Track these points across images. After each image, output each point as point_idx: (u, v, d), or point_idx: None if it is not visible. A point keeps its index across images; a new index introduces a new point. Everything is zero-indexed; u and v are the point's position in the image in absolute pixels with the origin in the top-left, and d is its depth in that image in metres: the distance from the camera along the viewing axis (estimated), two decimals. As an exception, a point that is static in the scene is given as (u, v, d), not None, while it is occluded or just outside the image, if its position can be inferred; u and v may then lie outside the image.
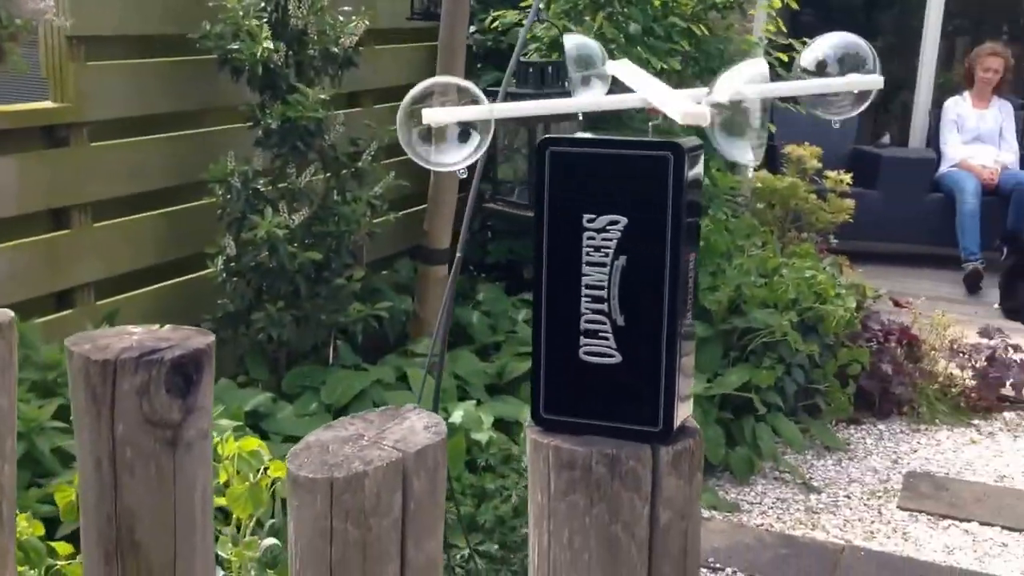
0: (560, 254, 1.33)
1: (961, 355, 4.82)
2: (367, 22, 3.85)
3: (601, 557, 1.34)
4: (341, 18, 3.83)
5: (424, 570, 1.48)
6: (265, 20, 3.61)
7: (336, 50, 3.74)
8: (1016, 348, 4.85)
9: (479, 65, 4.97)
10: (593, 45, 1.56)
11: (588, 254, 1.32)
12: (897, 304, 5.22)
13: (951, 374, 4.86)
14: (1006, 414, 4.82)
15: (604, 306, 1.32)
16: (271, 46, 3.51)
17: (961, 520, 3.92)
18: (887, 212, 6.77)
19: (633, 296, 1.31)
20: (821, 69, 1.21)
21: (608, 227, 1.30)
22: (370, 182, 3.90)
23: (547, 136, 1.33)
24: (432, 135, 1.39)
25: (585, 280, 1.32)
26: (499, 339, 4.28)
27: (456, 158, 1.39)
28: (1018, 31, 9.78)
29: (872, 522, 3.90)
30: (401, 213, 4.28)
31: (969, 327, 5.13)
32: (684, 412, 1.36)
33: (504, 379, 4.03)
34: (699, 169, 1.33)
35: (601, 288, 1.32)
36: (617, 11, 4.26)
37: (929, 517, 3.94)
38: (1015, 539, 3.80)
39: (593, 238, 1.31)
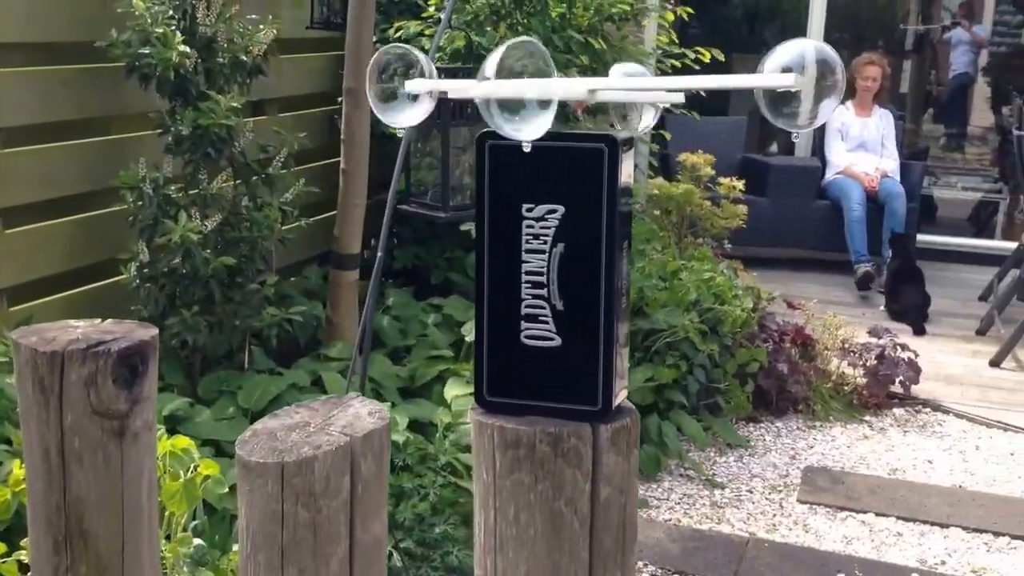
0: (501, 243, 1.40)
1: (852, 354, 5.01)
2: (276, 31, 3.88)
3: (546, 532, 1.41)
4: (249, 27, 3.85)
5: (371, 549, 1.54)
6: (174, 27, 3.62)
7: (245, 58, 3.77)
8: (904, 347, 5.05)
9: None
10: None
11: (528, 242, 1.39)
12: (791, 306, 5.40)
13: (843, 373, 5.05)
14: (896, 410, 5.02)
15: (544, 291, 1.39)
16: (185, 50, 3.53)
17: (858, 511, 4.08)
18: (776, 218, 6.98)
19: (571, 281, 1.39)
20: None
21: (546, 216, 1.38)
22: (280, 189, 3.93)
23: (485, 130, 1.40)
24: (388, 96, 1.45)
25: (525, 267, 1.39)
26: (410, 343, 4.34)
27: (407, 119, 1.45)
28: (894, 45, 10.17)
29: (774, 515, 4.04)
30: (311, 220, 4.30)
31: (858, 328, 5.33)
32: (621, 392, 1.44)
33: (416, 382, 4.09)
34: (631, 161, 1.41)
35: (541, 274, 1.39)
36: (518, 22, 4.35)
37: (827, 509, 4.10)
38: (909, 528, 3.98)
39: (532, 227, 1.38)
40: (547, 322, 1.40)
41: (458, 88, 1.45)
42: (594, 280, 1.38)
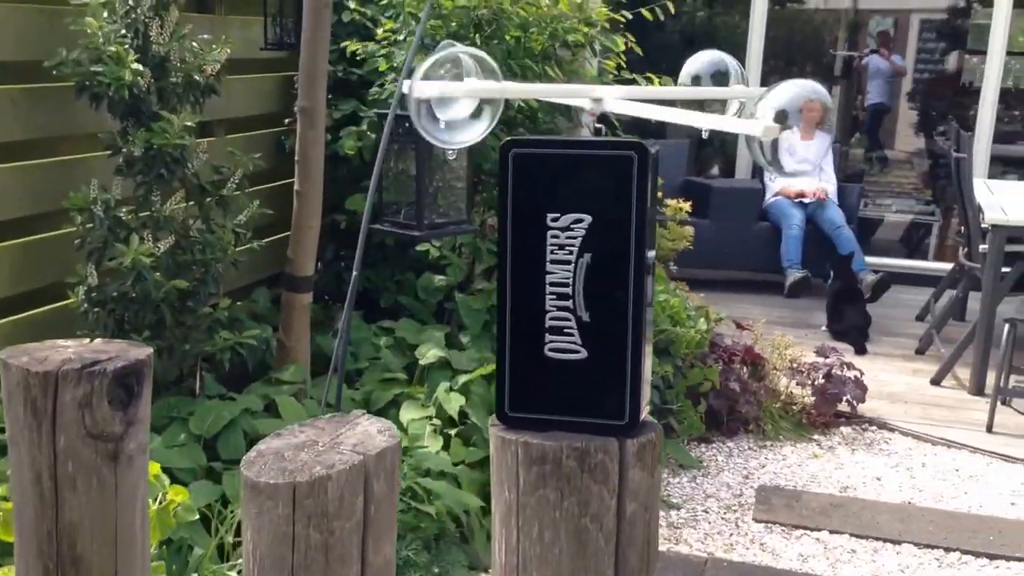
0: (525, 253, 1.37)
1: (801, 374, 5.04)
2: (229, 50, 3.81)
3: (571, 549, 1.37)
4: (202, 46, 3.78)
5: (381, 572, 1.49)
6: (127, 46, 3.53)
7: (199, 78, 3.69)
8: (850, 366, 5.10)
9: (329, 96, 4.98)
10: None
11: (553, 252, 1.36)
12: (740, 327, 5.42)
13: (791, 392, 5.08)
14: (843, 429, 5.06)
15: (569, 303, 1.36)
16: (139, 69, 3.44)
17: (812, 529, 4.10)
18: (717, 240, 7.02)
19: (598, 292, 1.36)
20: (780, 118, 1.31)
21: (572, 225, 1.35)
22: (234, 210, 3.85)
23: (510, 138, 1.37)
24: (443, 115, 1.42)
25: (550, 278, 1.37)
26: (362, 366, 4.28)
27: (471, 135, 1.41)
28: (823, 70, 10.37)
29: (731, 534, 4.04)
30: (264, 241, 4.21)
31: (800, 348, 5.38)
32: (645, 406, 1.41)
33: (371, 406, 4.03)
34: (657, 169, 1.39)
35: (566, 285, 1.36)
36: (475, 45, 4.33)
37: (783, 528, 4.11)
38: (863, 545, 4.00)
39: (557, 237, 1.36)
40: (572, 334, 1.37)
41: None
42: (622, 291, 1.35)
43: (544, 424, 1.38)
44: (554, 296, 1.36)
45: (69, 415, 1.49)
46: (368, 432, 1.50)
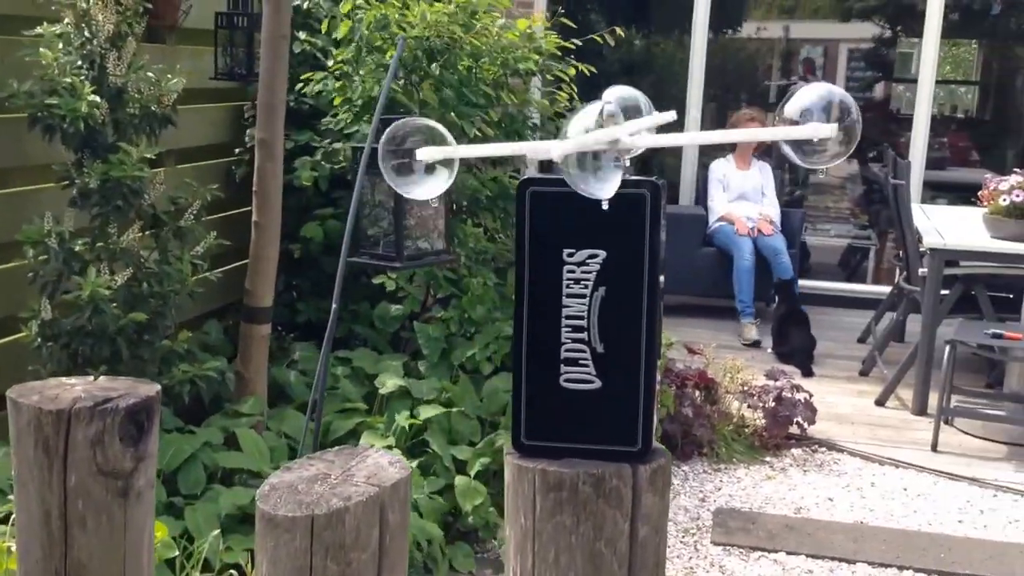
0: (541, 288, 1.40)
1: (752, 396, 5.12)
2: (185, 80, 3.80)
3: (586, 573, 1.40)
4: (157, 77, 3.76)
5: (396, 603, 1.50)
6: (83, 77, 3.51)
7: (156, 109, 3.68)
8: (799, 388, 5.19)
9: (281, 125, 4.98)
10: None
11: (568, 286, 1.39)
12: (691, 351, 5.49)
13: (743, 415, 5.16)
14: (794, 450, 5.14)
15: (584, 335, 1.40)
16: (95, 100, 3.42)
17: (770, 551, 4.16)
18: (666, 266, 7.07)
19: (612, 324, 1.40)
20: (806, 118, 1.33)
21: (588, 260, 1.39)
22: (191, 241, 3.83)
23: (527, 177, 1.41)
24: (406, 171, 1.44)
25: (566, 311, 1.40)
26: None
27: (429, 190, 1.44)
28: (758, 98, 10.55)
29: (690, 558, 4.08)
30: (220, 271, 4.18)
31: (750, 371, 5.46)
32: (655, 432, 1.45)
33: (330, 436, 4.02)
34: (665, 203, 1.44)
35: (581, 318, 1.40)
36: (428, 73, 4.36)
37: (741, 550, 4.16)
38: (819, 565, 4.07)
39: (573, 271, 1.39)
40: (587, 365, 1.40)
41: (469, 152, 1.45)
42: (635, 323, 1.39)
43: (558, 452, 1.41)
44: (570, 328, 1.39)
45: (81, 453, 1.48)
46: (379, 464, 1.52)
